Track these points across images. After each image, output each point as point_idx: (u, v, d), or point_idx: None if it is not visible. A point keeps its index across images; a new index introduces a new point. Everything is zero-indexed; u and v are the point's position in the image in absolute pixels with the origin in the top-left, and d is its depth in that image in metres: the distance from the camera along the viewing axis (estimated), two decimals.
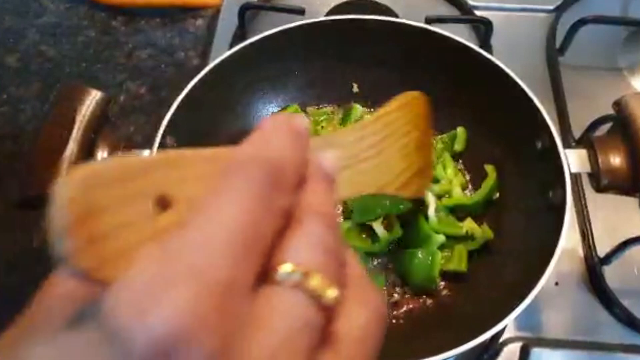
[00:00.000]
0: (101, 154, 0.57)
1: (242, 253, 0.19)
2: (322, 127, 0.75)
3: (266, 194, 0.20)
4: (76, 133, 0.55)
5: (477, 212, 0.67)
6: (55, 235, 0.18)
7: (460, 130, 0.72)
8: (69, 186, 0.19)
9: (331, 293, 0.20)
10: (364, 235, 0.65)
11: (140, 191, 0.20)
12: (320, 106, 0.77)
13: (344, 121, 0.74)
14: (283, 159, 0.21)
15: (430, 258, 0.61)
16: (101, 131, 0.57)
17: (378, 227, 0.63)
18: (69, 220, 0.18)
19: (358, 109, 0.75)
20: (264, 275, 0.20)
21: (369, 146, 0.40)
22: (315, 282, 0.20)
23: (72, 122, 0.56)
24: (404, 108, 0.49)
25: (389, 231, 0.63)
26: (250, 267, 0.19)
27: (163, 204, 0.20)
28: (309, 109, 0.76)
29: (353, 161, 0.36)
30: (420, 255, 0.62)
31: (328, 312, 0.21)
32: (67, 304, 0.22)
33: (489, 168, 0.68)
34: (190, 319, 0.17)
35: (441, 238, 0.63)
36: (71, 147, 0.54)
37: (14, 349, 0.21)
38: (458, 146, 0.72)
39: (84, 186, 0.19)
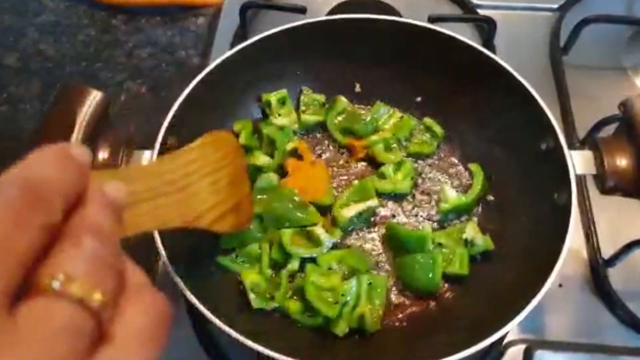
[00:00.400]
0: (102, 154, 0.57)
1: None
2: (304, 110, 0.74)
3: (19, 211, 0.21)
4: (76, 134, 0.55)
5: (471, 210, 0.67)
6: None
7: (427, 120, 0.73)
8: None
9: (97, 296, 0.22)
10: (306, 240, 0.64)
11: None
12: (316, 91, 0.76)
13: (328, 112, 0.74)
14: (43, 180, 0.23)
15: (431, 262, 0.61)
16: (102, 132, 0.57)
17: (319, 230, 0.63)
18: None
19: (343, 101, 0.74)
20: (29, 289, 0.21)
21: (169, 182, 0.41)
22: (76, 287, 0.21)
23: (72, 123, 0.55)
24: (210, 146, 0.51)
25: (330, 233, 0.63)
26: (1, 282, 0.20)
27: None
28: (305, 88, 0.75)
29: (150, 195, 0.37)
30: (421, 260, 0.61)
31: (97, 316, 0.22)
32: None
33: (474, 167, 0.69)
34: None
35: (428, 232, 0.63)
36: None
37: None
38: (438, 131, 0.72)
39: None
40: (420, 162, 0.72)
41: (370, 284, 0.60)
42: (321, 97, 0.75)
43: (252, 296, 0.60)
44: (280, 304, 0.59)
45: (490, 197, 0.68)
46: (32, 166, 0.24)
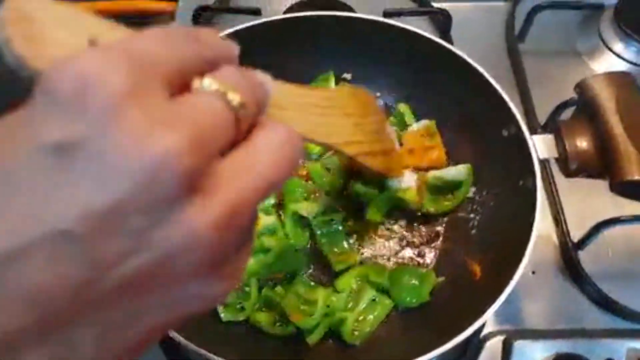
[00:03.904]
0: None
1: (177, 48, 0.24)
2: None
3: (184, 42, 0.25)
4: None
5: None
6: None
7: (401, 106, 0.72)
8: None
9: (236, 96, 0.25)
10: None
11: (76, 26, 0.26)
12: None
13: None
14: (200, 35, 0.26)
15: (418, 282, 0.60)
16: None
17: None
18: (8, 18, 0.24)
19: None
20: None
21: (313, 104, 0.40)
22: (220, 85, 0.24)
23: None
24: (348, 94, 0.50)
25: None
26: (176, 72, 0.24)
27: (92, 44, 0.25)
28: None
29: (296, 107, 0.37)
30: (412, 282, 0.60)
31: (237, 112, 0.25)
32: None
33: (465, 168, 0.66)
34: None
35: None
36: None
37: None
38: (409, 120, 0.71)
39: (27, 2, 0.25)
40: None
41: (374, 300, 0.59)
42: None
43: (220, 307, 0.58)
44: (249, 315, 0.57)
45: None
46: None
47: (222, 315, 0.57)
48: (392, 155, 0.56)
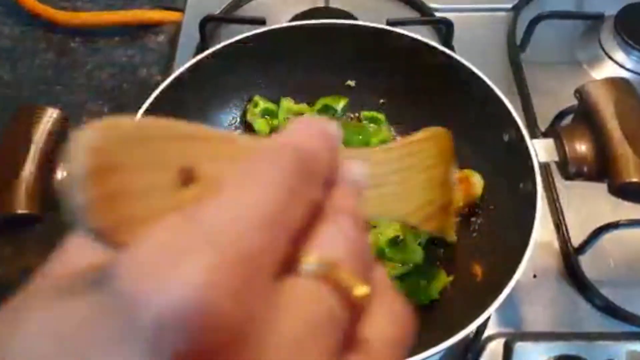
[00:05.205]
0: (62, 174, 0.55)
1: (269, 233, 0.18)
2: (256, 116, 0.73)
3: (296, 182, 0.19)
4: (33, 153, 0.53)
5: None
6: (70, 187, 0.16)
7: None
8: (90, 135, 0.17)
9: (361, 289, 0.19)
10: None
11: (165, 157, 0.19)
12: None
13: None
14: (315, 152, 0.21)
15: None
16: (60, 150, 0.56)
17: None
18: (88, 169, 0.17)
19: (285, 103, 0.73)
20: (289, 266, 0.19)
21: (393, 171, 0.38)
22: (343, 275, 0.19)
23: (28, 141, 0.54)
24: (431, 141, 0.47)
25: None
26: (276, 251, 0.18)
27: (187, 176, 0.19)
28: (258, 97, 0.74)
29: (376, 182, 0.34)
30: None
31: (356, 311, 0.19)
32: (77, 271, 0.20)
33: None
34: (211, 287, 0.15)
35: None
36: (28, 168, 0.52)
37: (14, 315, 0.19)
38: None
39: (107, 137, 0.17)
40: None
41: None
42: (301, 107, 0.74)
43: None
44: None
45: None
46: (302, 134, 0.22)
47: None
48: (449, 208, 0.51)
